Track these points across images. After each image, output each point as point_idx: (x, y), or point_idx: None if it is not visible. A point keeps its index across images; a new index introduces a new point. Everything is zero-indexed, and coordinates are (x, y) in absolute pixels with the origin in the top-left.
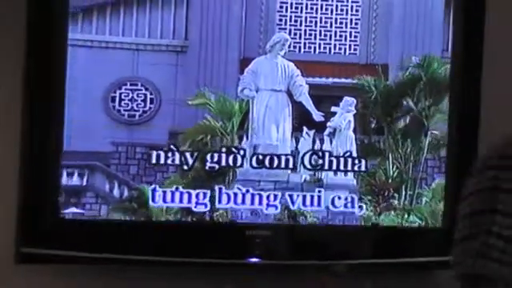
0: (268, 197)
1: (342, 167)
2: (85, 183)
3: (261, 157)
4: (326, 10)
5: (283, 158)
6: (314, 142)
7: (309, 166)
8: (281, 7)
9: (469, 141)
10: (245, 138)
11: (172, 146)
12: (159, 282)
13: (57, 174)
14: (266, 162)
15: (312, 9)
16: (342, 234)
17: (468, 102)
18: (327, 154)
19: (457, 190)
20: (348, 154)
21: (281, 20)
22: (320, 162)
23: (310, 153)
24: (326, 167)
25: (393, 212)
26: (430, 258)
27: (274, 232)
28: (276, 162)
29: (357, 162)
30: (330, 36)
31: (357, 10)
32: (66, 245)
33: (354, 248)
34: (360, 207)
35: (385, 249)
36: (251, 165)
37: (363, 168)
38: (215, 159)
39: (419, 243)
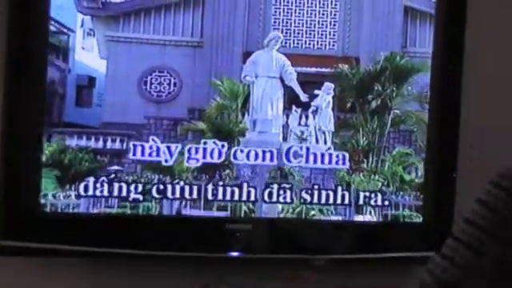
0: (264, 155)
1: (322, 138)
2: (125, 146)
3: (259, 129)
4: (311, 13)
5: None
6: (300, 117)
7: (296, 135)
8: (275, 12)
9: (449, 130)
10: (246, 114)
11: (191, 120)
12: (140, 275)
13: (37, 169)
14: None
15: (300, 13)
16: (322, 228)
17: (448, 95)
18: (311, 128)
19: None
20: (328, 127)
21: (275, 22)
22: (305, 133)
23: (298, 126)
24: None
25: (361, 173)
26: (410, 253)
27: (255, 226)
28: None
29: (333, 134)
30: (314, 34)
31: (335, 14)
32: (45, 238)
33: (333, 242)
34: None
35: (365, 243)
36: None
37: (338, 139)
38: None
39: (399, 238)
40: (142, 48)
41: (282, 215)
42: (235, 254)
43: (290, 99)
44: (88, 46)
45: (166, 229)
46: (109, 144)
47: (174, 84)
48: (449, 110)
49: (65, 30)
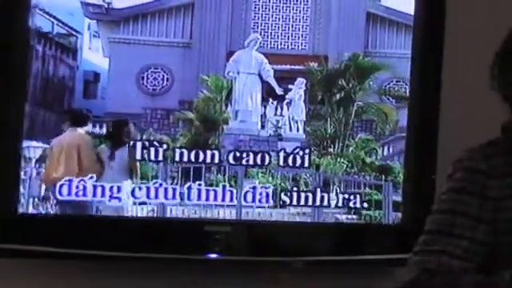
0: (245, 144)
1: (295, 126)
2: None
3: (241, 118)
4: (285, 18)
5: (256, 119)
6: (276, 108)
7: (273, 123)
8: (254, 16)
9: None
10: (229, 106)
11: (182, 110)
12: (120, 277)
13: (16, 170)
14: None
15: (276, 18)
16: (300, 230)
17: (427, 89)
18: (286, 117)
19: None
20: (300, 117)
21: (254, 25)
22: (280, 122)
23: (274, 116)
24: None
25: (329, 157)
26: (387, 255)
27: (234, 228)
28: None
29: (304, 123)
30: (288, 36)
31: (306, 19)
32: (24, 240)
33: (311, 245)
34: (308, 154)
35: (342, 246)
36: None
37: (309, 127)
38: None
39: (376, 241)
40: (139, 48)
41: (261, 210)
42: (214, 255)
43: (267, 92)
44: (94, 46)
45: (143, 230)
46: (111, 130)
47: (167, 79)
48: (428, 112)
49: (74, 33)
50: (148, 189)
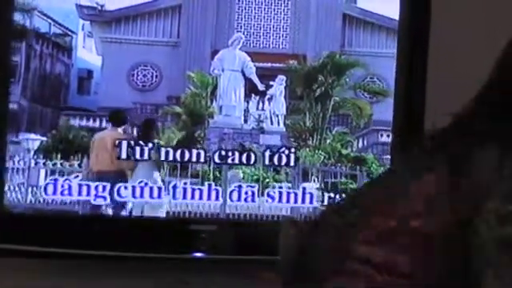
0: (228, 138)
1: (276, 120)
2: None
3: (225, 112)
4: (267, 18)
5: (239, 114)
6: (258, 103)
7: (255, 118)
8: (238, 17)
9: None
10: (214, 101)
11: (170, 105)
12: (104, 276)
13: (1, 168)
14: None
15: (258, 18)
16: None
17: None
18: (267, 112)
19: None
20: (281, 112)
21: (238, 25)
22: (262, 116)
23: (256, 110)
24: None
25: (308, 149)
26: None
27: (219, 227)
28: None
29: (285, 117)
30: (269, 36)
31: (286, 19)
32: (10, 239)
33: None
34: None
35: None
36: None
37: (289, 121)
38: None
39: None
40: (130, 47)
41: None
42: (199, 255)
43: (250, 89)
44: (87, 45)
45: (128, 229)
46: (104, 124)
47: (156, 76)
48: (413, 113)
49: (69, 33)
50: (133, 188)
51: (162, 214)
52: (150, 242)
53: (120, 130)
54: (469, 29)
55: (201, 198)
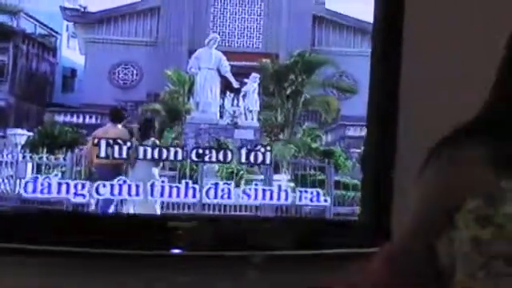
0: (204, 133)
1: (250, 116)
2: (99, 121)
3: (202, 109)
4: (241, 20)
5: (215, 110)
6: (233, 100)
7: (230, 113)
8: (213, 19)
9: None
10: (191, 98)
11: (149, 102)
12: (83, 272)
13: None
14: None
15: (233, 19)
16: (261, 225)
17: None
18: (241, 108)
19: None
20: (254, 108)
21: (213, 26)
22: (236, 112)
23: (231, 107)
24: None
25: (280, 143)
26: (347, 249)
27: (196, 223)
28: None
29: (258, 113)
30: (243, 36)
31: (259, 21)
32: None
33: (272, 239)
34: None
35: (304, 241)
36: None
37: (262, 116)
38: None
39: (337, 236)
40: (111, 47)
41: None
42: (177, 251)
43: (225, 86)
44: (71, 45)
45: (108, 227)
46: (87, 120)
47: (136, 74)
48: (387, 111)
49: (54, 34)
50: (112, 186)
51: (143, 211)
52: (129, 239)
53: (120, 125)
54: (440, 28)
55: (178, 195)
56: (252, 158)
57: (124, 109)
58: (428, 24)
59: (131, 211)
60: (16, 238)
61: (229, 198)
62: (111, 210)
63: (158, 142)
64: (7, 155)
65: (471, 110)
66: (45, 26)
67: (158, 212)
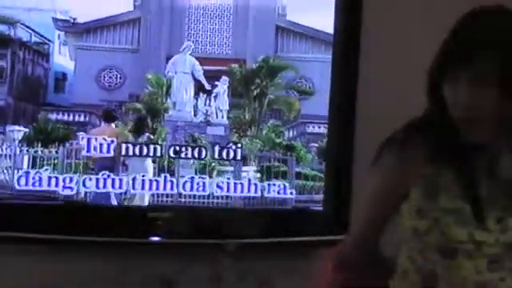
0: (180, 129)
1: (220, 114)
2: (87, 119)
3: (178, 108)
4: (213, 30)
5: (190, 109)
6: (205, 100)
7: (203, 112)
8: (188, 28)
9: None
10: (169, 98)
11: (132, 102)
12: (62, 260)
13: None
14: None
15: (205, 29)
16: (234, 214)
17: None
18: (213, 107)
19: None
20: (224, 107)
21: (188, 35)
22: (209, 111)
23: (204, 106)
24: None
25: (247, 138)
26: (312, 237)
27: (174, 214)
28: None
29: (228, 112)
30: (215, 44)
31: (229, 30)
32: None
33: (244, 228)
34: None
35: (273, 229)
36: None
37: (231, 115)
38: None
39: (304, 225)
40: (98, 53)
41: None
42: (155, 238)
43: (198, 88)
44: (63, 52)
45: (92, 216)
46: (76, 118)
47: (120, 77)
48: (346, 110)
49: (47, 42)
50: (97, 180)
51: (125, 202)
52: (111, 228)
53: (113, 125)
54: (393, 37)
55: (157, 188)
56: (224, 154)
57: (114, 110)
58: (383, 34)
59: (136, 203)
60: (8, 226)
61: (203, 190)
62: (114, 202)
63: (152, 136)
64: (6, 149)
65: (420, 109)
66: (39, 34)
67: (146, 203)
